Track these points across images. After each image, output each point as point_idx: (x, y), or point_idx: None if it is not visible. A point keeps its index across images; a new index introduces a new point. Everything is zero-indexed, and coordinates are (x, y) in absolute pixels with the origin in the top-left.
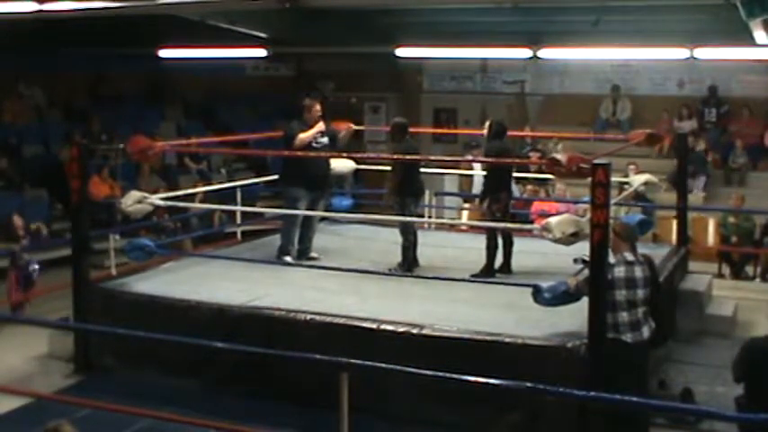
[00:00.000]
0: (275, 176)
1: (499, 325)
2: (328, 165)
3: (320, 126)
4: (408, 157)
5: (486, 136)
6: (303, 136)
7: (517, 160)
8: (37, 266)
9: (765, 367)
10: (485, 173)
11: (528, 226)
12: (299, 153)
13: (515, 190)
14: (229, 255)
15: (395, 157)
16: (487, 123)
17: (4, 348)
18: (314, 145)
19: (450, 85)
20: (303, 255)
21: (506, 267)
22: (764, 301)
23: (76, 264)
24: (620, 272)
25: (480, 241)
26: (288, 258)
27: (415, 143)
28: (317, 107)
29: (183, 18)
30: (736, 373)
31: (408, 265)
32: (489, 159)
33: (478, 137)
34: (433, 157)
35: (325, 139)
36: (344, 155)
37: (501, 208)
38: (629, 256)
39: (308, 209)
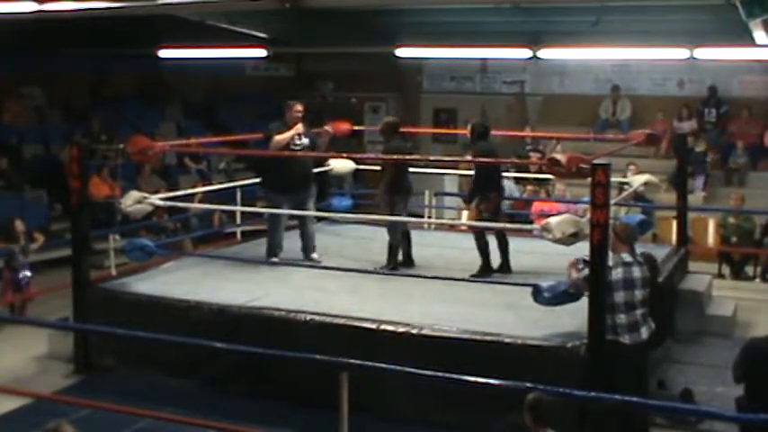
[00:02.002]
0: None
1: (499, 325)
2: (311, 166)
3: (298, 128)
4: (397, 156)
5: (470, 138)
6: (279, 138)
7: (516, 160)
8: (29, 274)
9: (765, 367)
10: (473, 173)
11: (528, 226)
12: (275, 154)
13: (515, 190)
14: (229, 255)
15: (394, 157)
16: (469, 126)
17: (4, 348)
18: (292, 147)
19: (450, 85)
20: (303, 256)
21: (505, 267)
22: (764, 301)
23: (76, 264)
24: (617, 273)
25: None
26: (274, 259)
27: (405, 143)
28: (298, 107)
29: (183, 18)
30: (736, 373)
31: (395, 263)
32: (485, 159)
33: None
34: (432, 157)
35: (305, 141)
36: (344, 155)
37: (490, 207)
38: (627, 257)
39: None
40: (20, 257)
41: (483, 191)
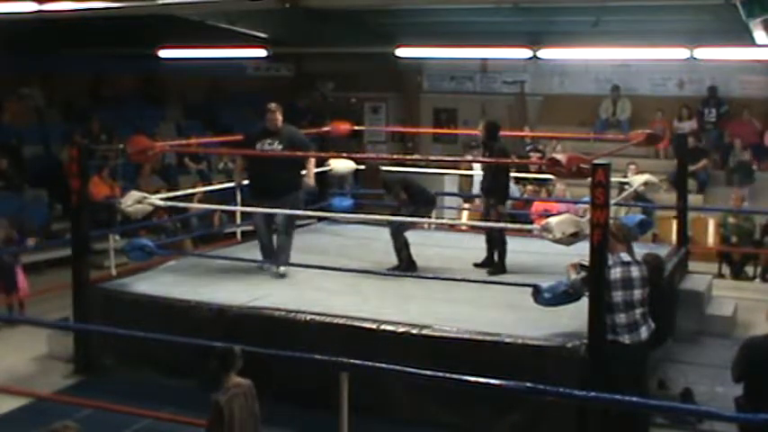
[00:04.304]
0: None
1: (499, 325)
2: (279, 172)
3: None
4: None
5: (488, 137)
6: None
7: (516, 160)
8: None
9: (765, 367)
10: (485, 172)
11: (528, 226)
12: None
13: (515, 190)
14: (229, 255)
15: (394, 157)
16: (482, 124)
17: (4, 348)
18: (260, 151)
19: (450, 85)
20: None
21: (502, 266)
22: (764, 301)
23: (76, 264)
24: (616, 273)
25: (480, 241)
26: (262, 266)
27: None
28: (270, 115)
29: (183, 18)
30: (735, 373)
31: (406, 265)
32: (504, 160)
33: (478, 137)
34: (432, 157)
35: (277, 146)
36: (344, 155)
37: (499, 214)
38: (626, 257)
39: (265, 218)
40: (14, 258)
41: (498, 193)
